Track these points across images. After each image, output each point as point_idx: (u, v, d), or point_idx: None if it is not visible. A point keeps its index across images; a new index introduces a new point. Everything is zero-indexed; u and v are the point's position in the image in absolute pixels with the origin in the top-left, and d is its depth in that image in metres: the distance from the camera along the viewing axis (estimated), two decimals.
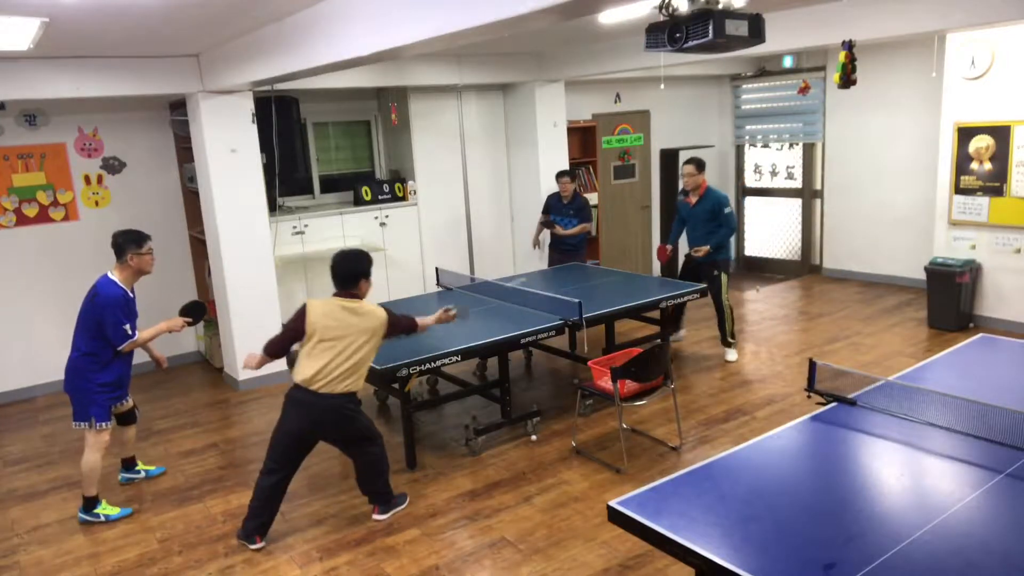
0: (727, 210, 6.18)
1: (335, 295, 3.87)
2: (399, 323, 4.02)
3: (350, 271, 3.86)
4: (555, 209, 7.22)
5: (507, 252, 8.34)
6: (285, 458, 3.87)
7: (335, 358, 3.74)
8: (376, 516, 4.11)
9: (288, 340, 3.91)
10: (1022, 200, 6.38)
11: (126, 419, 4.61)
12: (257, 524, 3.87)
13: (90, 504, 4.27)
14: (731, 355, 6.35)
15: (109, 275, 4.21)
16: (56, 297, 6.46)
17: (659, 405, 5.34)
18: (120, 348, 4.17)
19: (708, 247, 6.11)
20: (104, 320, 4.10)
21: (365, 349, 3.81)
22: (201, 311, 4.68)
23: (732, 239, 6.46)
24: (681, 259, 6.67)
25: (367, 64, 5.07)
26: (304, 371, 3.76)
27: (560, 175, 7.13)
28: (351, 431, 3.96)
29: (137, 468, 4.80)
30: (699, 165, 6.33)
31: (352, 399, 3.91)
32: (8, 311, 6.32)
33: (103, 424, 4.20)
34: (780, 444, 3.01)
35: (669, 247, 6.71)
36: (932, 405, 3.11)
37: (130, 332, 4.16)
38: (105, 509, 4.31)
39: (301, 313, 3.80)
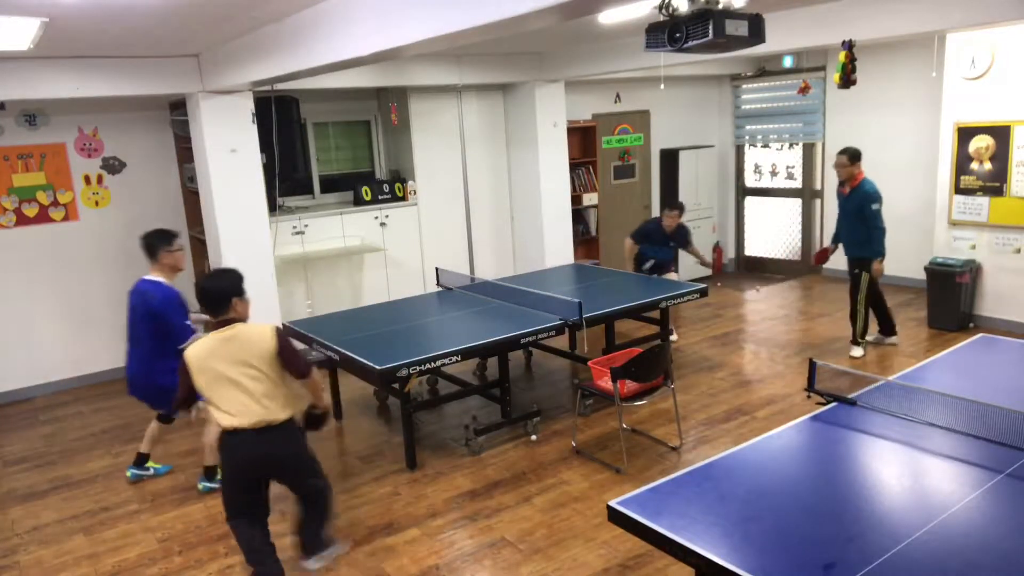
0: (874, 206, 5.85)
1: (212, 326, 3.27)
2: (289, 349, 3.28)
3: (218, 293, 3.26)
4: (652, 237, 6.74)
5: (507, 252, 8.34)
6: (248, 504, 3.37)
7: (245, 393, 3.16)
8: (304, 563, 3.48)
9: (186, 393, 3.30)
10: (1022, 200, 6.38)
11: (164, 416, 4.65)
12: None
13: (210, 472, 4.50)
14: (855, 351, 6.18)
15: (149, 277, 4.27)
16: (56, 297, 6.46)
17: (659, 405, 5.34)
18: (182, 347, 3.31)
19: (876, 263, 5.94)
20: (168, 320, 4.18)
21: (267, 372, 3.19)
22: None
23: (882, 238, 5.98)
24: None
25: (367, 64, 5.07)
26: (224, 421, 3.18)
27: (671, 207, 6.67)
28: (297, 466, 3.41)
29: (147, 465, 4.81)
30: (852, 156, 5.93)
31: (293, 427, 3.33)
32: (8, 311, 6.31)
33: (201, 402, 3.44)
34: (780, 444, 3.01)
35: (831, 247, 6.42)
36: (932, 405, 3.11)
37: (193, 328, 4.21)
38: (153, 463, 4.73)
39: (184, 368, 3.21)
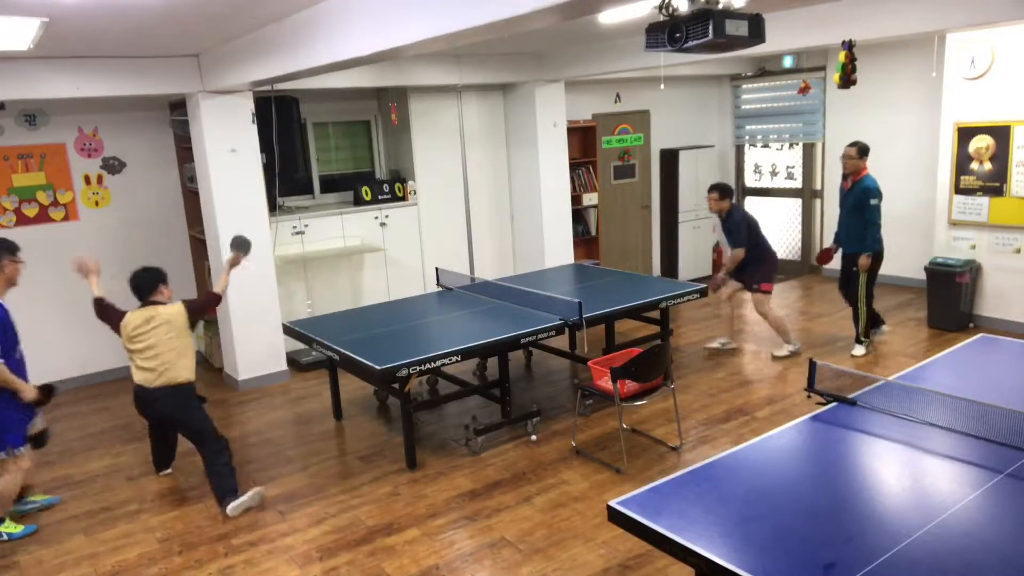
0: (873, 201, 5.83)
1: (140, 307, 4.25)
2: (197, 304, 4.50)
3: (149, 280, 4.27)
4: (720, 224, 6.50)
5: (507, 252, 8.34)
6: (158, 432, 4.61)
7: (156, 357, 4.16)
8: (226, 510, 4.23)
9: (109, 317, 4.32)
10: (1022, 200, 6.38)
11: (36, 441, 4.23)
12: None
13: None
14: (857, 350, 6.19)
15: None
16: (56, 297, 6.46)
17: (659, 405, 5.34)
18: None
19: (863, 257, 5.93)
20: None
21: (175, 338, 4.20)
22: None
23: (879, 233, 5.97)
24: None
25: (367, 64, 5.07)
26: (138, 377, 4.22)
27: (710, 189, 6.29)
28: (189, 423, 4.32)
29: (27, 499, 4.42)
30: (861, 150, 5.92)
31: (189, 391, 4.29)
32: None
33: (20, 450, 4.01)
34: (780, 444, 3.01)
35: (834, 247, 6.32)
36: (932, 405, 3.11)
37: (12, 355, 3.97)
38: (10, 527, 4.13)
39: (121, 316, 4.25)
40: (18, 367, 4.09)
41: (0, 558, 3.96)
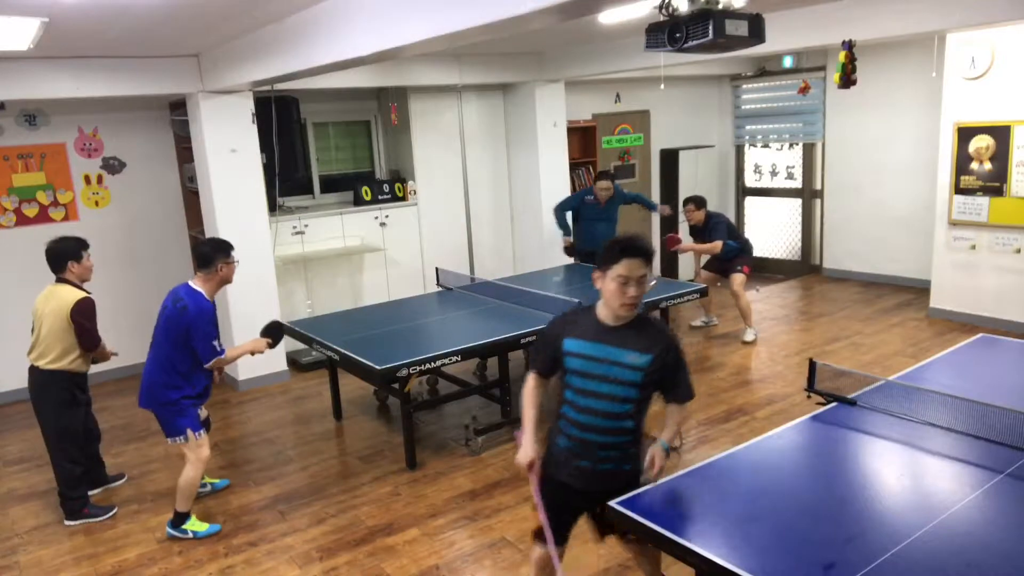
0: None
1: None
2: (83, 322, 4.10)
3: (56, 255, 4.12)
4: (693, 233, 7.06)
5: (507, 252, 8.34)
6: None
7: (37, 336, 4.18)
8: (65, 522, 4.26)
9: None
10: (1022, 200, 6.38)
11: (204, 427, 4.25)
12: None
13: (180, 519, 4.04)
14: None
15: (192, 284, 3.96)
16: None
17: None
18: (207, 365, 3.96)
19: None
20: (193, 334, 3.86)
21: (52, 327, 4.09)
22: (280, 333, 4.40)
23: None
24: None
25: (367, 64, 5.07)
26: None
27: (684, 203, 6.95)
28: (45, 412, 4.24)
29: (203, 481, 4.45)
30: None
31: (56, 380, 4.17)
32: (8, 311, 6.31)
33: (199, 433, 4.01)
34: (780, 444, 3.00)
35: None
36: (932, 405, 3.10)
37: (219, 348, 3.95)
38: (194, 525, 4.06)
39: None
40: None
41: (0, 558, 3.97)
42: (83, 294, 4.12)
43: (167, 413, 3.96)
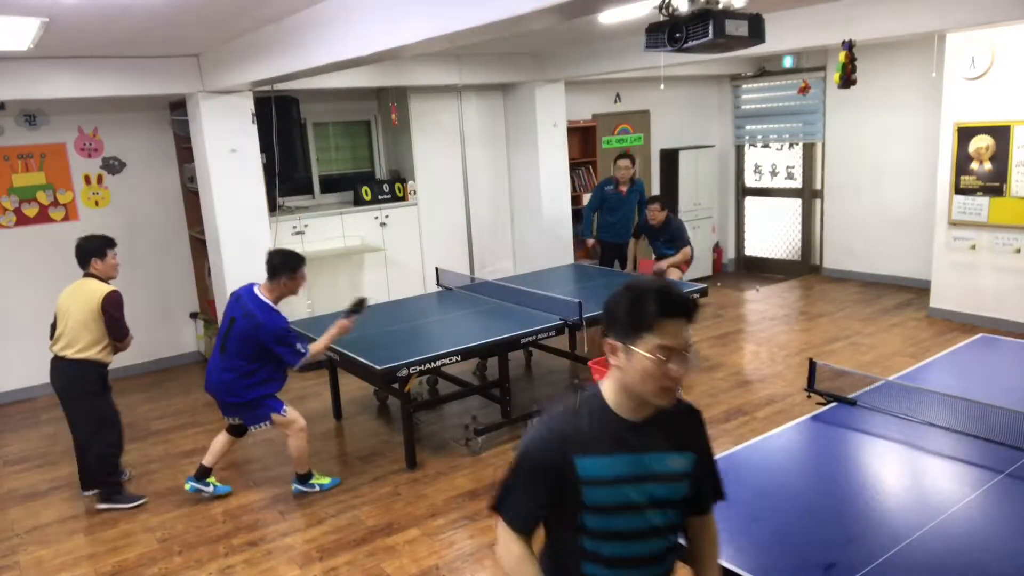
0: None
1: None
2: (113, 312, 4.23)
3: (81, 251, 4.34)
4: (648, 235, 7.00)
5: (507, 252, 8.34)
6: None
7: (63, 328, 4.22)
8: (97, 505, 4.38)
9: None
10: (1022, 200, 6.38)
11: (236, 430, 4.39)
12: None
13: (305, 478, 4.38)
14: None
15: (258, 292, 4.13)
16: (56, 297, 6.44)
17: None
18: (296, 367, 4.18)
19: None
20: (274, 347, 4.06)
21: (81, 319, 4.17)
22: (362, 304, 4.50)
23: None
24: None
25: (367, 64, 5.07)
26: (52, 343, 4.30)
27: (651, 201, 6.88)
28: (78, 402, 4.28)
29: (208, 481, 4.43)
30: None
31: (86, 369, 4.21)
32: (8, 311, 6.31)
33: (283, 410, 4.24)
34: (780, 444, 3.01)
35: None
36: (932, 405, 3.11)
37: (303, 350, 4.13)
38: (319, 479, 4.43)
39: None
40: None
41: (0, 558, 3.97)
42: (112, 287, 4.28)
43: (246, 409, 4.20)
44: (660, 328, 1.61)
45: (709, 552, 1.88)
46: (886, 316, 7.22)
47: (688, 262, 6.80)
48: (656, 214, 6.75)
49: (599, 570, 1.74)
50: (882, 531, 2.29)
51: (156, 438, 5.44)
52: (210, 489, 4.40)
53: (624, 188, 7.12)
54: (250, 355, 4.10)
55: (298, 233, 6.84)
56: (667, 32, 3.03)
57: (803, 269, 9.27)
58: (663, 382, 1.63)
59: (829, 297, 8.09)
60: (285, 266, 4.12)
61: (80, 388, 4.25)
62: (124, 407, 5.90)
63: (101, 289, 4.21)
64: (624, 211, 7.17)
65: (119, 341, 4.30)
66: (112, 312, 4.19)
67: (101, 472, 4.38)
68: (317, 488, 4.39)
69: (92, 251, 4.32)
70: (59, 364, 4.26)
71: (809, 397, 3.46)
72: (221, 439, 4.41)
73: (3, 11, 3.57)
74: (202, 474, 4.39)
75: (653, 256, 7.04)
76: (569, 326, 5.03)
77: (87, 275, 4.33)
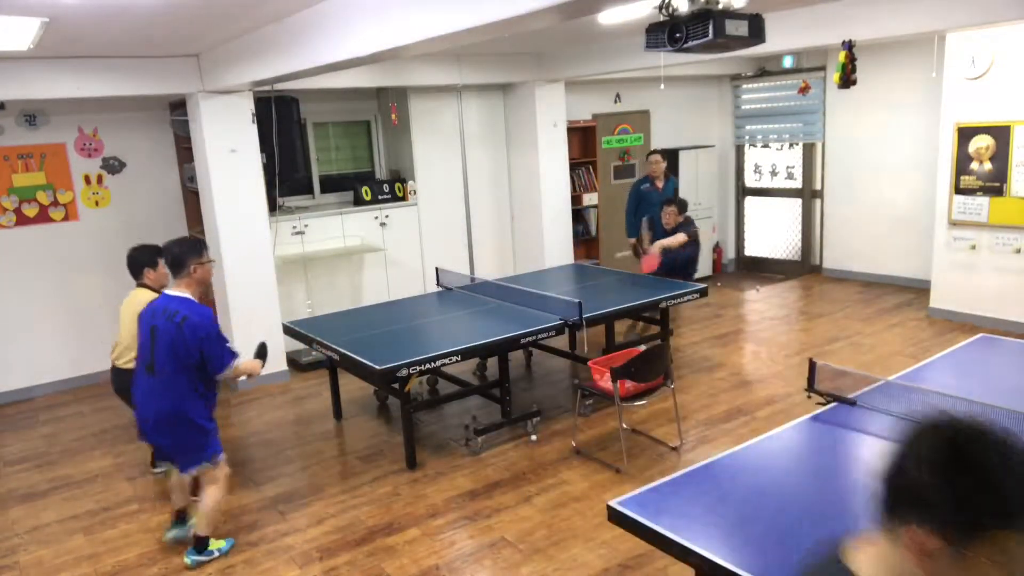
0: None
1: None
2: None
3: (132, 262, 4.29)
4: (658, 234, 6.74)
5: (507, 252, 8.34)
6: None
7: (119, 336, 4.22)
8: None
9: None
10: (1022, 200, 6.38)
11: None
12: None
13: (203, 543, 3.77)
14: None
15: (177, 293, 3.57)
16: (56, 297, 6.46)
17: (659, 405, 5.34)
18: (222, 375, 3.61)
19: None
20: (206, 347, 3.48)
21: (131, 329, 3.96)
22: (266, 353, 4.04)
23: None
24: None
25: (367, 64, 5.07)
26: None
27: (666, 203, 6.65)
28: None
29: (189, 523, 3.94)
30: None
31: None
32: (8, 311, 6.31)
33: (221, 455, 3.70)
34: (780, 444, 3.01)
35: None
36: (932, 405, 3.10)
37: (235, 351, 3.62)
38: (217, 544, 3.82)
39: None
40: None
41: (0, 558, 3.97)
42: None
43: (192, 439, 3.58)
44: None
45: None
46: (886, 316, 7.22)
47: (686, 248, 6.47)
48: (672, 218, 6.55)
49: None
50: None
51: None
52: (215, 554, 3.80)
53: (660, 184, 7.15)
54: (189, 366, 3.50)
55: (298, 233, 6.85)
56: (667, 32, 3.03)
57: (803, 269, 9.27)
58: None
59: (829, 297, 8.10)
60: (189, 251, 3.61)
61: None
62: (123, 407, 5.90)
63: (147, 299, 3.89)
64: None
65: None
66: None
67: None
68: (216, 554, 3.78)
69: (144, 262, 4.26)
70: (114, 372, 4.31)
71: (809, 397, 3.46)
72: (173, 477, 3.94)
73: (3, 11, 3.57)
74: (198, 543, 3.78)
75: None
76: (569, 326, 5.03)
77: (140, 285, 4.27)
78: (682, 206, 6.69)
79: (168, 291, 3.65)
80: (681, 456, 4.61)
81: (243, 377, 3.88)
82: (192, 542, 3.79)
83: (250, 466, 4.86)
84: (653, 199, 7.09)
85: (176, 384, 3.51)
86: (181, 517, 4.00)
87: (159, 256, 4.19)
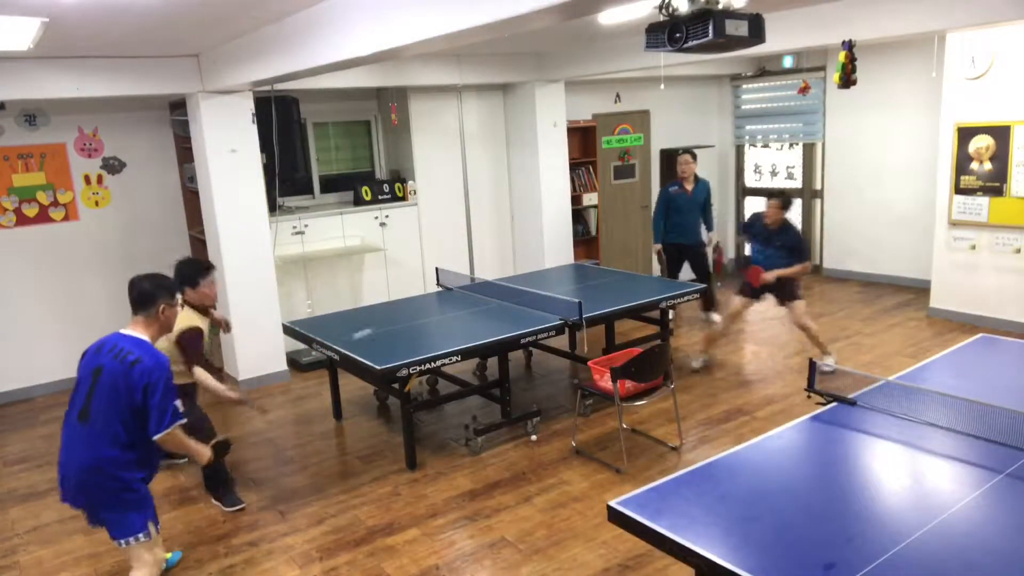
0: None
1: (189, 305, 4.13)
2: (183, 345, 4.00)
3: (181, 277, 4.10)
4: (758, 235, 5.86)
5: (507, 252, 8.34)
6: None
7: None
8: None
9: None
10: (1022, 200, 6.38)
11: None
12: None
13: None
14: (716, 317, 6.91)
15: (130, 333, 3.12)
16: (56, 297, 6.46)
17: (659, 405, 5.34)
18: (158, 437, 2.97)
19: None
20: (151, 397, 2.94)
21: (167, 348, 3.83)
22: (225, 452, 3.56)
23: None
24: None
25: (367, 64, 5.07)
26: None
27: (769, 197, 5.79)
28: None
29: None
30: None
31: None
32: (8, 311, 6.31)
33: (157, 529, 3.14)
34: (780, 444, 3.00)
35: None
36: (932, 405, 3.11)
37: (181, 411, 3.04)
38: None
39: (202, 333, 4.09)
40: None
41: (0, 558, 3.97)
42: (193, 323, 3.99)
43: (121, 504, 3.01)
44: None
45: None
46: (886, 316, 7.22)
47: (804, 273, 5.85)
48: (775, 212, 5.70)
49: None
50: (882, 531, 2.29)
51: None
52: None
53: (690, 187, 6.95)
54: (128, 415, 2.95)
55: (298, 233, 6.85)
56: (667, 32, 3.03)
57: None
58: None
59: (829, 297, 8.09)
60: (161, 289, 3.18)
61: None
62: None
63: (183, 323, 3.84)
64: (693, 211, 6.95)
65: (188, 367, 3.94)
66: (185, 345, 3.96)
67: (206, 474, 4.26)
68: None
69: (184, 279, 4.08)
70: None
71: (809, 397, 3.46)
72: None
73: (3, 11, 3.57)
74: None
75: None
76: (569, 326, 5.03)
77: (186, 303, 4.04)
78: (786, 202, 5.77)
79: (123, 330, 3.14)
80: (681, 456, 4.61)
81: (183, 455, 3.78)
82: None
83: (250, 466, 4.86)
84: (682, 204, 6.90)
85: (108, 434, 2.94)
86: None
87: (203, 274, 4.12)
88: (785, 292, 5.76)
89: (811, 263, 6.00)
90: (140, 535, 3.04)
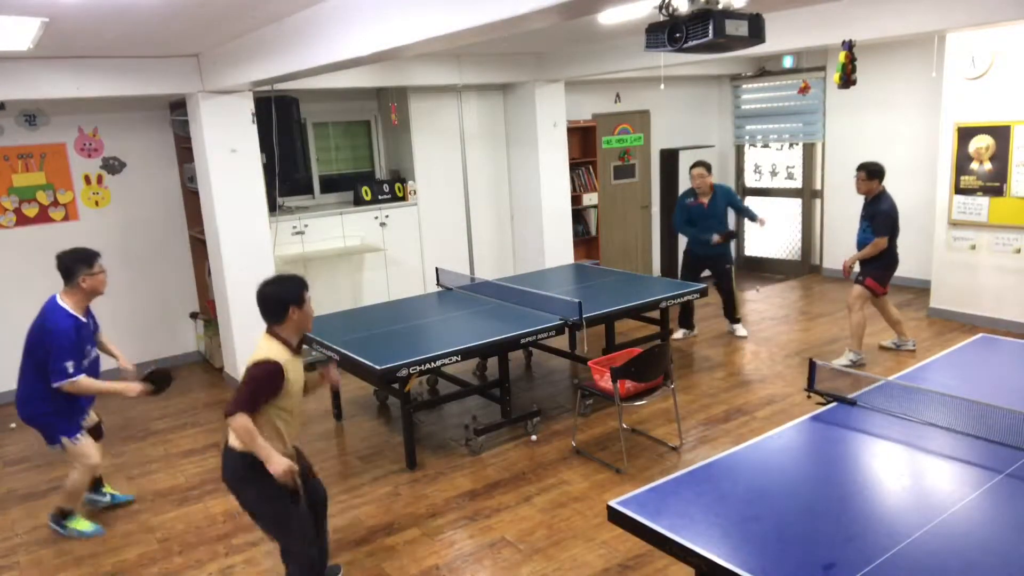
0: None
1: (274, 336, 3.29)
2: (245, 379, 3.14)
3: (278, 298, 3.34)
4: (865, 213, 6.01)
5: (507, 252, 8.34)
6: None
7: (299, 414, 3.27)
8: None
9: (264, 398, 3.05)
10: (1022, 200, 6.38)
11: (92, 434, 4.18)
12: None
13: (64, 516, 4.11)
14: (742, 330, 6.93)
15: (57, 299, 3.87)
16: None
17: (659, 405, 5.34)
18: (56, 386, 3.79)
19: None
20: (49, 350, 3.77)
21: None
22: (166, 383, 4.01)
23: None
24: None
25: (367, 64, 5.07)
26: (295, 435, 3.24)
27: (858, 169, 5.91)
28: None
29: (103, 491, 4.42)
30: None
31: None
32: (7, 311, 6.31)
33: (76, 437, 3.98)
34: (780, 444, 3.01)
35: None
36: (932, 405, 3.11)
37: (71, 371, 3.77)
38: (78, 524, 4.10)
39: (279, 372, 3.06)
40: (91, 369, 4.00)
41: (0, 558, 3.97)
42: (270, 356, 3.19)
43: (40, 424, 3.97)
44: None
45: None
46: None
47: (877, 252, 5.79)
48: (863, 183, 5.75)
49: None
50: (882, 531, 2.29)
51: (156, 438, 5.44)
52: (107, 499, 4.37)
53: (705, 200, 6.63)
54: (33, 364, 3.85)
55: (298, 233, 6.85)
56: (667, 32, 3.03)
57: (803, 269, 9.27)
58: None
59: (829, 297, 8.09)
60: (81, 260, 3.81)
61: None
62: (123, 407, 5.92)
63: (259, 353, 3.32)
64: (710, 222, 6.65)
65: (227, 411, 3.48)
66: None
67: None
68: (74, 533, 4.07)
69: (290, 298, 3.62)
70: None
71: (809, 397, 3.46)
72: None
73: (3, 11, 3.57)
74: (61, 513, 4.12)
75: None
76: (569, 326, 5.03)
77: (270, 333, 3.50)
78: (876, 171, 5.73)
79: (57, 296, 3.89)
80: (681, 456, 4.61)
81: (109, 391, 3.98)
82: (54, 512, 4.16)
83: None
84: (697, 216, 6.71)
85: (27, 371, 3.90)
86: (95, 484, 4.34)
87: (304, 289, 3.57)
88: (866, 271, 5.86)
89: (885, 240, 5.76)
90: (56, 446, 3.96)
